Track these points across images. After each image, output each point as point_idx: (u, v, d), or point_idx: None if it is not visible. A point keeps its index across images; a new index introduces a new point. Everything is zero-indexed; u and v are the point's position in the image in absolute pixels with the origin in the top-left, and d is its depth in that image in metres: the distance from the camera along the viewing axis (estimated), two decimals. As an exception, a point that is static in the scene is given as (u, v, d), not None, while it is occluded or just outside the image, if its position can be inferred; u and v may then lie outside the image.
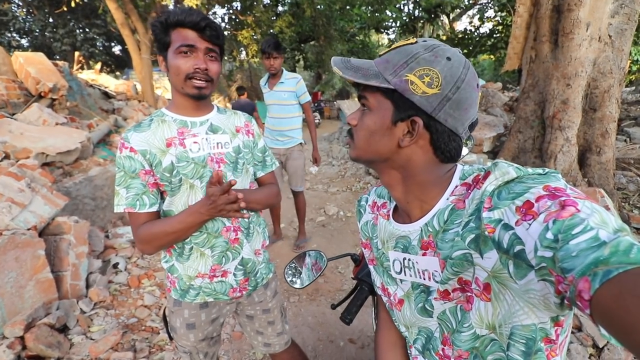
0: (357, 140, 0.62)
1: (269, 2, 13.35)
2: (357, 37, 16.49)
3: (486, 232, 0.47)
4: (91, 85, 5.70)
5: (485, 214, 0.48)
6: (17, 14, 13.89)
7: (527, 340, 0.50)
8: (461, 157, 0.63)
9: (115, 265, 2.61)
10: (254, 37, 11.53)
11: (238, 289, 1.10)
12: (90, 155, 3.56)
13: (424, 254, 0.60)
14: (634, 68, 8.30)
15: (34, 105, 3.60)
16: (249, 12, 11.57)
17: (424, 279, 0.62)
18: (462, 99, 0.54)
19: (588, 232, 0.36)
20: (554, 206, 0.41)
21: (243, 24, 11.51)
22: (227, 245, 1.05)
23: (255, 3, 11.46)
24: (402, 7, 15.92)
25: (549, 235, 0.39)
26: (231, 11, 12.55)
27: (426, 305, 0.62)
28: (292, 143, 2.94)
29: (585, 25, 3.13)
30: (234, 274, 1.08)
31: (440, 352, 0.63)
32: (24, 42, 15.17)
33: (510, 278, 0.46)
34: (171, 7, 8.75)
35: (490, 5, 14.76)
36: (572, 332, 1.83)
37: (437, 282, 0.59)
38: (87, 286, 2.32)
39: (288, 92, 2.79)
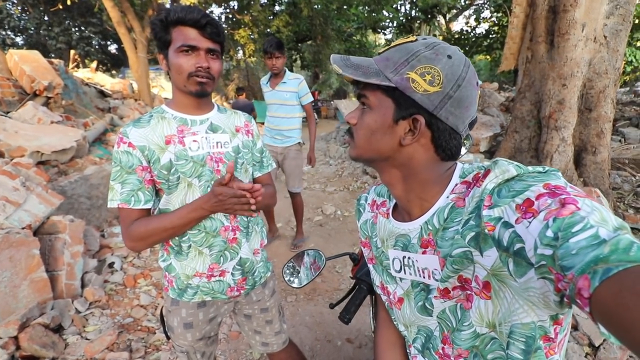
0: (357, 139, 0.61)
1: (266, 1, 13.34)
2: (354, 37, 16.51)
3: (486, 230, 0.47)
4: (87, 84, 5.65)
5: (485, 212, 0.48)
6: (12, 12, 13.77)
7: (527, 338, 0.50)
8: (460, 156, 0.63)
9: (111, 265, 2.59)
10: (251, 36, 11.51)
11: (236, 288, 1.10)
12: (86, 154, 3.53)
13: (423, 252, 0.60)
14: (629, 69, 8.38)
15: (29, 103, 3.56)
16: (246, 12, 11.54)
17: (424, 278, 0.61)
18: (463, 97, 0.54)
19: (588, 230, 0.36)
20: (554, 204, 0.41)
21: (240, 23, 11.48)
22: (226, 245, 1.05)
23: (252, 2, 11.43)
24: (399, 7, 15.97)
25: (549, 233, 0.39)
26: (228, 10, 12.51)
27: (426, 304, 0.62)
28: (290, 142, 2.94)
29: (580, 26, 3.15)
30: (232, 274, 1.08)
31: (440, 351, 0.62)
32: (18, 40, 15.04)
33: (510, 276, 0.46)
34: (168, 5, 8.70)
35: (486, 5, 14.84)
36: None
37: (436, 280, 0.59)
38: (83, 286, 2.30)
39: (290, 92, 2.80)
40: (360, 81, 0.57)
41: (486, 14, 15.32)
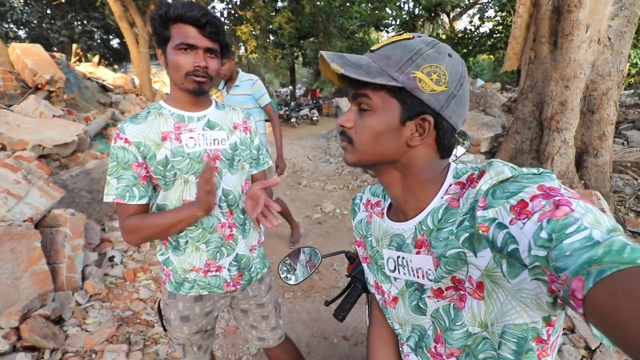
0: (359, 144, 0.58)
1: (268, -3, 13.28)
2: (357, 35, 16.43)
3: (480, 231, 0.48)
4: (89, 78, 5.65)
5: (479, 213, 0.48)
6: (15, 5, 13.74)
7: (519, 339, 0.50)
8: (458, 156, 0.63)
9: (111, 258, 2.60)
10: (253, 32, 11.47)
11: (232, 284, 1.11)
12: (87, 148, 3.54)
13: (417, 253, 0.60)
14: (633, 71, 8.34)
15: (31, 97, 3.57)
16: (248, 8, 11.49)
17: (418, 278, 0.62)
18: (464, 95, 0.55)
19: (582, 231, 0.36)
20: (548, 205, 0.41)
21: (242, 19, 11.44)
22: (222, 241, 1.05)
23: (255, -2, 11.38)
24: (402, 5, 15.90)
25: (543, 234, 0.39)
26: (230, 6, 12.47)
27: (420, 303, 0.63)
28: None
29: (584, 27, 3.13)
30: (228, 269, 1.09)
31: (433, 350, 0.63)
32: (21, 33, 15.01)
33: (503, 277, 0.46)
34: (170, 0, 8.67)
35: (490, 5, 14.75)
36: (565, 334, 1.84)
37: (430, 280, 0.59)
38: (83, 278, 2.31)
39: (244, 95, 2.63)
40: (360, 81, 0.53)
41: (490, 13, 15.23)
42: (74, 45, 7.83)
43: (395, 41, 0.55)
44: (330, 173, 5.60)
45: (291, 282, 1.05)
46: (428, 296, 0.61)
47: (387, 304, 0.72)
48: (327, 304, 1.02)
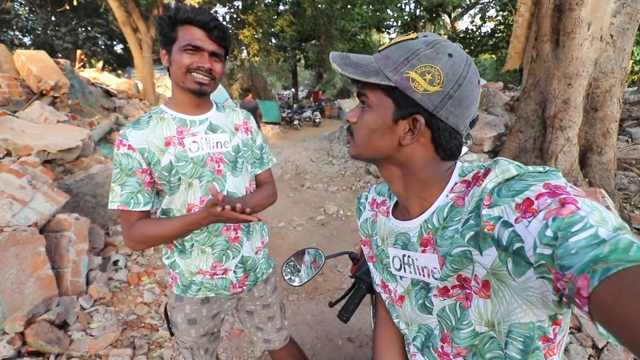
0: (357, 138, 0.61)
1: (270, 1, 13.35)
2: (358, 37, 16.47)
3: (485, 230, 0.47)
4: (93, 84, 5.70)
5: (484, 211, 0.48)
6: (20, 13, 13.91)
7: (525, 338, 0.50)
8: (460, 155, 0.63)
9: (116, 263, 2.61)
10: (255, 36, 11.53)
11: (238, 285, 1.11)
12: (91, 153, 3.56)
13: (423, 251, 0.60)
14: (637, 68, 8.27)
15: (36, 103, 3.60)
16: (250, 11, 11.58)
17: (424, 276, 0.62)
18: (464, 96, 0.54)
19: (588, 229, 0.36)
20: (554, 204, 0.41)
21: (244, 22, 11.52)
22: (228, 244, 1.06)
23: (256, 2, 11.47)
24: (403, 7, 15.92)
25: (549, 232, 0.39)
26: (232, 10, 12.55)
27: (426, 302, 0.62)
28: None
29: (586, 25, 3.11)
30: (234, 271, 1.09)
31: (439, 350, 0.63)
32: (26, 40, 15.20)
33: (509, 275, 0.46)
34: (173, 5, 8.74)
35: (491, 4, 14.73)
36: (572, 333, 1.82)
37: (436, 279, 0.59)
38: (87, 283, 2.32)
39: None
40: (361, 80, 0.57)
41: (492, 12, 15.19)
42: (78, 51, 7.90)
43: (399, 41, 0.56)
44: (334, 175, 5.60)
45: (295, 284, 1.05)
46: (434, 295, 0.60)
47: (394, 302, 0.72)
48: (332, 305, 1.02)
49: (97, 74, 6.98)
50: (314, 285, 2.55)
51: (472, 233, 0.51)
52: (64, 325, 1.98)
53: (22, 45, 14.71)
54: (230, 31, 1.11)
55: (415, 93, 0.53)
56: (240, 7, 12.29)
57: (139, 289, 2.42)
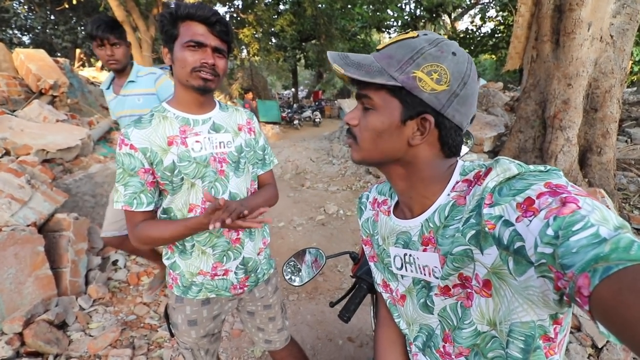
0: (362, 142, 0.59)
1: (270, 0, 13.35)
2: (359, 36, 16.47)
3: (486, 228, 0.47)
4: (92, 83, 5.69)
5: (485, 210, 0.48)
6: (19, 11, 13.89)
7: (526, 337, 0.50)
8: (461, 155, 0.63)
9: (115, 263, 2.61)
10: (255, 35, 11.53)
11: (239, 286, 1.11)
12: (91, 153, 3.55)
13: (424, 250, 0.60)
14: (636, 69, 8.28)
15: (35, 102, 3.59)
16: (250, 11, 11.58)
17: (425, 275, 0.62)
18: (468, 94, 0.54)
19: (589, 228, 0.36)
20: (555, 203, 0.41)
21: (244, 22, 11.52)
22: (229, 245, 1.05)
23: (256, 1, 11.46)
24: (403, 7, 15.92)
25: (550, 231, 0.39)
26: (232, 9, 12.55)
27: (427, 301, 0.63)
28: None
29: (586, 25, 3.12)
30: (235, 273, 1.08)
31: (441, 349, 0.63)
32: (25, 39, 15.16)
33: (510, 274, 0.46)
34: (172, 5, 8.73)
35: (492, 4, 14.74)
36: (572, 332, 1.82)
37: (437, 278, 0.59)
38: (87, 283, 2.32)
39: (144, 95, 1.87)
40: (362, 81, 0.54)
41: (492, 13, 15.21)
42: (77, 50, 7.89)
43: (400, 40, 0.55)
44: (334, 174, 5.60)
45: (296, 284, 1.05)
46: (435, 294, 0.60)
47: (395, 302, 0.72)
48: (332, 305, 1.01)
49: (96, 73, 6.97)
50: (314, 285, 2.54)
51: (473, 232, 0.51)
52: (63, 326, 1.97)
53: (21, 44, 14.67)
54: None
55: (423, 92, 0.52)
56: (240, 6, 12.30)
57: (139, 289, 2.42)
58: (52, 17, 13.91)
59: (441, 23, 16.91)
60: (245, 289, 1.13)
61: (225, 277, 1.07)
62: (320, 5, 12.35)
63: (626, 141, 4.49)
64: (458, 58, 0.53)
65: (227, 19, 0.97)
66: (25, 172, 2.37)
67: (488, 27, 15.48)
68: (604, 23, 3.18)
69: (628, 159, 3.84)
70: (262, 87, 16.81)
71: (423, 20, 16.08)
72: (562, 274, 0.37)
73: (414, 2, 15.90)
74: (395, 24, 16.99)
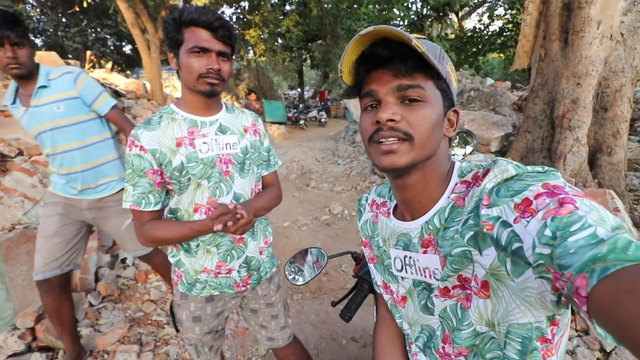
0: (420, 139, 0.53)
1: (276, 1, 13.40)
2: (365, 36, 16.39)
3: (485, 229, 0.48)
4: (102, 84, 5.79)
5: (483, 211, 0.48)
6: (32, 14, 14.18)
7: (523, 339, 0.50)
8: (466, 155, 0.64)
9: (124, 260, 2.65)
10: (262, 36, 11.58)
11: (242, 284, 1.12)
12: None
13: (424, 252, 0.60)
14: (648, 67, 8.11)
15: (46, 103, 3.66)
16: (256, 12, 11.64)
17: (425, 277, 0.62)
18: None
19: (586, 229, 0.36)
20: (553, 204, 0.41)
21: (250, 23, 11.57)
22: (232, 245, 1.07)
23: (262, 2, 11.51)
24: (409, 6, 15.81)
25: (547, 232, 0.39)
26: (239, 10, 12.63)
27: (428, 303, 0.63)
28: (107, 190, 1.68)
29: (596, 23, 3.07)
30: (238, 271, 1.10)
31: (441, 350, 0.63)
32: (37, 41, 15.47)
33: (508, 275, 0.46)
34: (180, 6, 8.83)
35: (500, 3, 14.57)
36: (579, 336, 1.80)
37: (437, 279, 0.59)
38: (96, 280, 2.36)
39: (64, 100, 1.53)
40: (407, 71, 0.52)
41: (500, 11, 15.02)
42: (88, 52, 8.03)
43: (419, 37, 0.53)
44: (339, 174, 5.60)
45: (298, 283, 1.06)
46: (435, 295, 0.61)
47: (396, 303, 0.72)
48: (334, 304, 1.02)
49: (106, 75, 7.09)
50: (318, 284, 2.55)
51: (471, 233, 0.51)
52: (73, 321, 2.02)
53: (34, 47, 14.99)
54: (236, 31, 1.12)
55: (452, 87, 0.58)
56: (246, 7, 12.36)
57: (146, 287, 2.45)
58: (64, 20, 14.17)
59: (448, 22, 16.75)
60: (248, 286, 1.14)
61: (228, 275, 1.09)
62: (326, 5, 12.36)
63: (638, 141, 4.39)
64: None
65: (234, 20, 0.98)
66: (38, 172, 2.42)
67: (496, 25, 15.31)
68: (614, 21, 3.13)
69: (639, 159, 3.77)
70: (269, 88, 16.89)
71: (430, 19, 15.95)
72: (560, 275, 0.37)
73: (420, 1, 15.78)
74: (401, 23, 16.89)
